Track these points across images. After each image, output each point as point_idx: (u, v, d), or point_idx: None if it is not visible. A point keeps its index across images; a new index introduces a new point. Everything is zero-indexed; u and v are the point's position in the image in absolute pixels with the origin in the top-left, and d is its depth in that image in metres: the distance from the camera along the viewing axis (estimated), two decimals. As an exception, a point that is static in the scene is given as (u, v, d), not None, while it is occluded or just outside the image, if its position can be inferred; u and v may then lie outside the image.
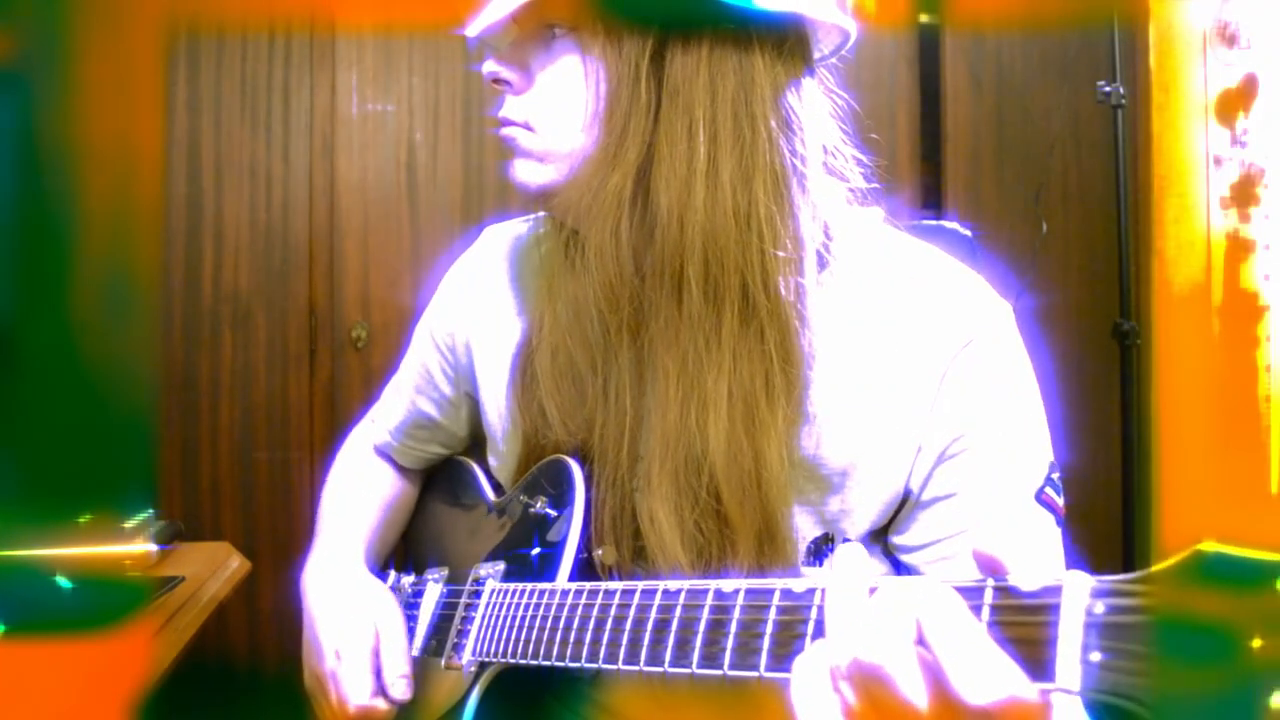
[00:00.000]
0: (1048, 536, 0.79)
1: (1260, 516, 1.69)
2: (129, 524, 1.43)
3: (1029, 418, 0.80)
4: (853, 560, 0.53)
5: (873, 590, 0.51)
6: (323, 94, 2.40)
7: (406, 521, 1.12)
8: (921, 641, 0.47)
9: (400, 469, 1.11)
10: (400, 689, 0.86)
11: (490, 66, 0.80)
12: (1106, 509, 2.11)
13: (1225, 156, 1.77)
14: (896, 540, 0.82)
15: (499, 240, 1.00)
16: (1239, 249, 1.75)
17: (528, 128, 0.80)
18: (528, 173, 0.81)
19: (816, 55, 0.80)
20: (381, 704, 0.86)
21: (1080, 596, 0.44)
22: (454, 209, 2.43)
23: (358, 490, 1.07)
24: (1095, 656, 0.42)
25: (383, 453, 1.10)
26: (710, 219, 0.74)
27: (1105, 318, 2.15)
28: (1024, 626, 0.46)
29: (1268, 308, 1.72)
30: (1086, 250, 2.48)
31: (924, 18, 2.50)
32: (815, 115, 0.79)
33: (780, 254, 0.75)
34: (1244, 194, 1.75)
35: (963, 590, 0.49)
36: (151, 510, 1.49)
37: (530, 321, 0.89)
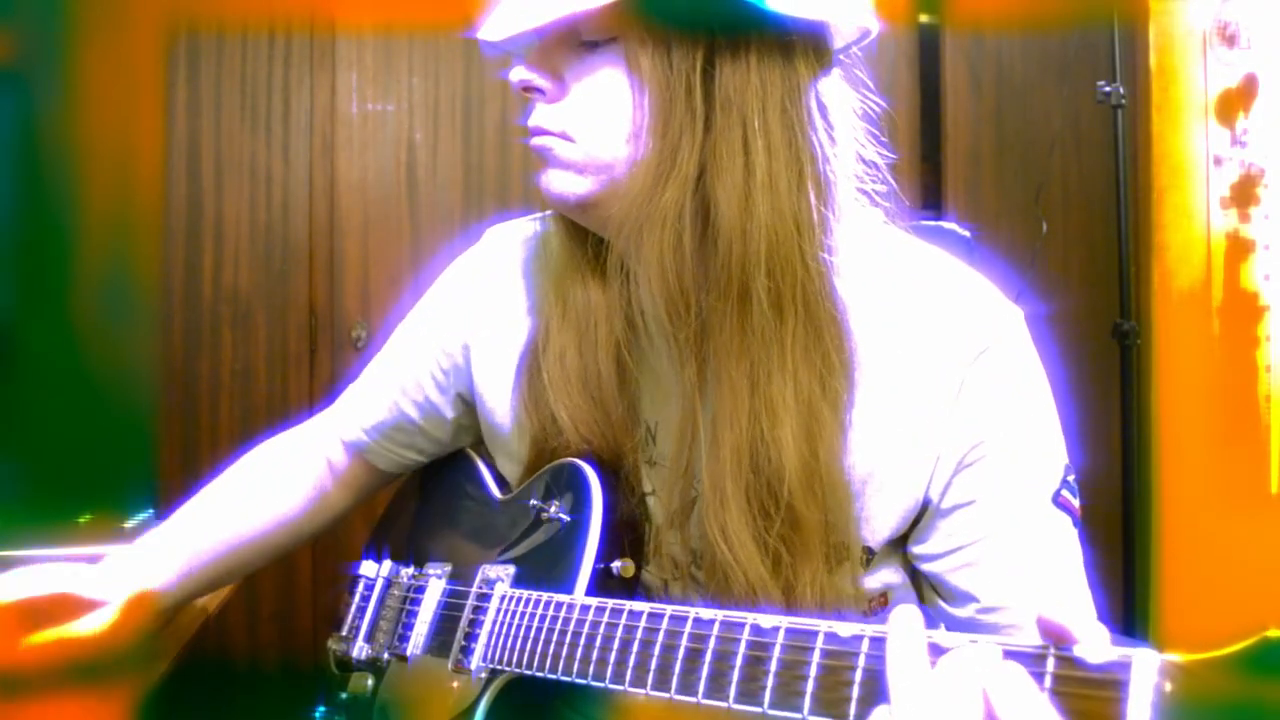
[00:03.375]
0: (1066, 539, 0.79)
1: (1260, 516, 1.69)
2: (129, 524, 1.43)
3: (1044, 422, 0.80)
4: (911, 622, 0.53)
5: (935, 649, 0.52)
6: (323, 94, 2.39)
7: (273, 550, 1.02)
8: (990, 716, 0.47)
9: (318, 489, 1.05)
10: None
11: (521, 74, 0.78)
12: (1106, 509, 2.11)
13: (1225, 156, 1.77)
14: (917, 550, 0.82)
15: (503, 241, 0.99)
16: (1239, 249, 1.75)
17: (565, 138, 0.78)
18: (565, 184, 0.79)
19: (837, 44, 0.80)
20: None
21: (1149, 674, 0.44)
22: (454, 209, 2.43)
23: (237, 503, 1.00)
24: None
25: (353, 449, 1.05)
26: (773, 230, 0.74)
27: (1105, 318, 2.15)
28: (1089, 700, 0.46)
29: (1268, 308, 1.72)
30: (1086, 250, 2.48)
31: (924, 18, 2.50)
32: (847, 116, 0.80)
33: (833, 260, 0.76)
34: (1244, 194, 1.75)
35: (1023, 657, 0.49)
36: (151, 510, 1.49)
37: (538, 324, 0.88)
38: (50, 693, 0.78)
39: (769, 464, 0.75)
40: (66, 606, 0.80)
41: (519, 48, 0.80)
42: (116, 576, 0.85)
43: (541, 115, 0.79)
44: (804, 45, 0.75)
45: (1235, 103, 1.76)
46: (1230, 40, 1.76)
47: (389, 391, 1.02)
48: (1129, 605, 2.06)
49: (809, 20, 0.74)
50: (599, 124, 0.77)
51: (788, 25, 0.74)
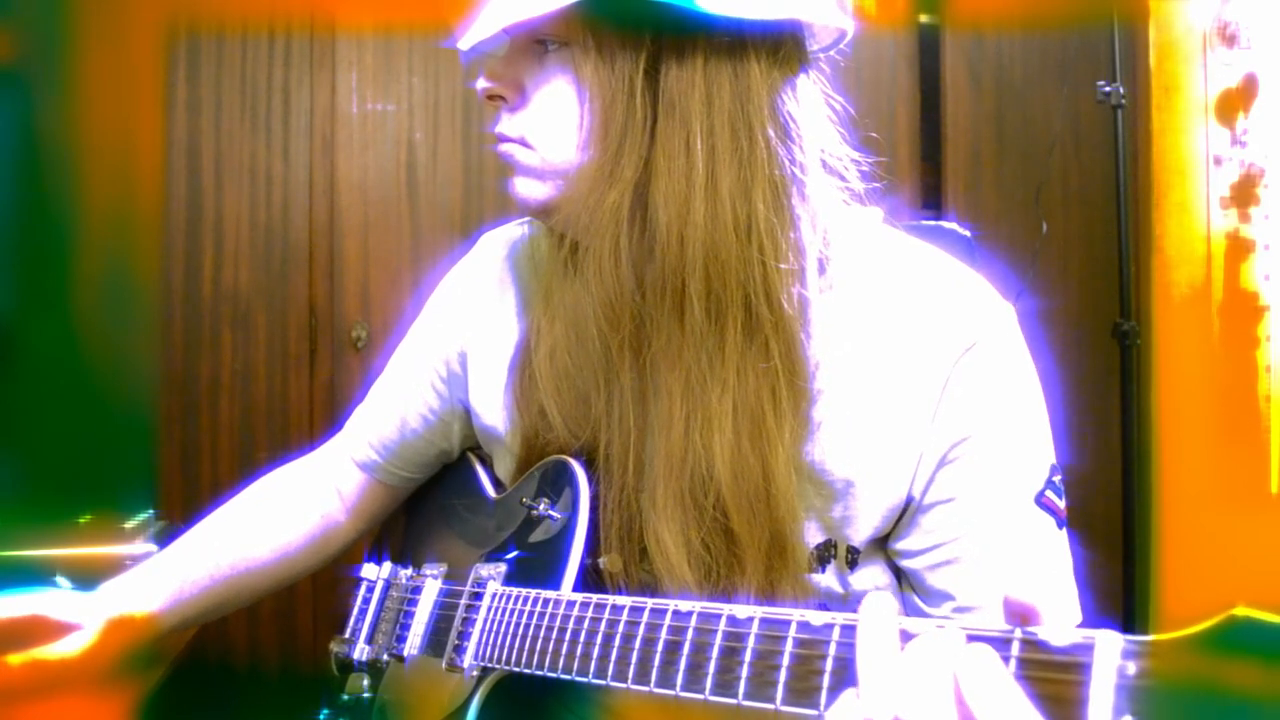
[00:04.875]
0: (1048, 539, 0.78)
1: (1260, 516, 1.69)
2: (129, 524, 1.43)
3: (1030, 421, 0.80)
4: (882, 609, 0.53)
5: (904, 635, 0.52)
6: (323, 94, 2.39)
7: (273, 582, 1.02)
8: (959, 699, 0.48)
9: (323, 516, 1.04)
10: None
11: (482, 83, 0.80)
12: (1106, 509, 2.11)
13: (1225, 156, 1.77)
14: (897, 546, 0.82)
15: (495, 245, 1.00)
16: (1239, 249, 1.75)
17: (524, 144, 0.79)
18: (527, 189, 0.80)
19: (813, 46, 0.79)
20: None
21: (1112, 656, 0.44)
22: (454, 209, 2.43)
23: (238, 532, 1.00)
24: (1127, 719, 0.42)
25: (365, 469, 1.05)
26: (711, 234, 0.73)
27: (1105, 318, 2.15)
28: (1053, 683, 0.46)
29: (1268, 308, 1.72)
30: (1086, 250, 2.48)
31: (924, 18, 2.50)
32: (812, 118, 0.78)
33: (782, 266, 0.75)
34: (1244, 194, 1.75)
35: (989, 640, 0.49)
36: (151, 510, 1.49)
37: (529, 323, 0.89)
38: (27, 710, 0.79)
39: (700, 472, 0.75)
40: (42, 629, 0.80)
41: (493, 58, 0.81)
42: (98, 600, 0.85)
43: (504, 123, 0.81)
44: (759, 49, 0.74)
45: (1235, 103, 1.76)
46: (1230, 40, 1.76)
47: (395, 408, 1.03)
48: (1128, 605, 2.06)
49: (767, 22, 0.73)
50: (553, 130, 0.78)
51: (740, 28, 0.73)
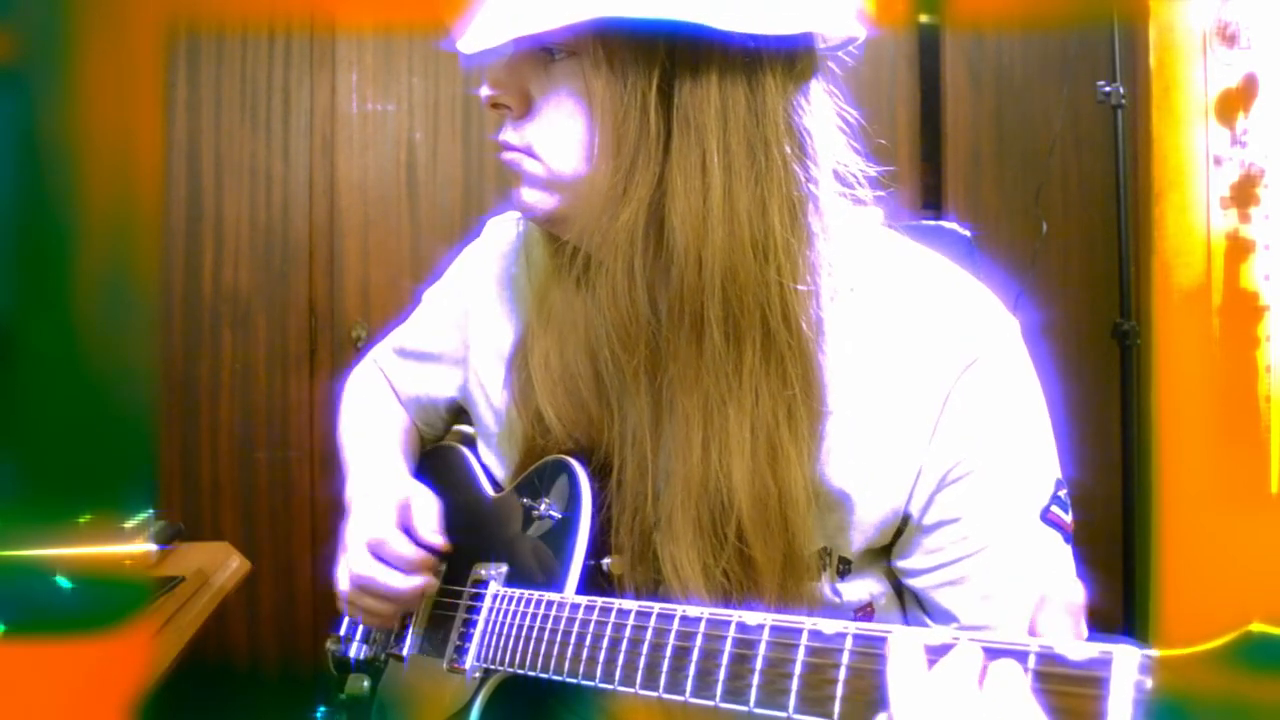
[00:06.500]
0: (1055, 555, 0.77)
1: (1260, 516, 1.69)
2: (129, 524, 1.43)
3: (1034, 436, 0.78)
4: (910, 636, 0.53)
5: (930, 650, 0.52)
6: (323, 94, 2.39)
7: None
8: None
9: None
10: (438, 543, 0.88)
11: (487, 91, 0.78)
12: (1106, 510, 2.11)
13: (1225, 156, 1.77)
14: (901, 564, 0.81)
15: (500, 235, 0.99)
16: (1239, 249, 1.75)
17: (530, 154, 0.77)
18: (533, 199, 0.79)
19: (821, 45, 0.78)
20: (420, 580, 0.87)
21: (1129, 670, 0.44)
22: (454, 209, 2.43)
23: (379, 418, 1.09)
24: None
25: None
26: (729, 255, 0.71)
27: (1105, 318, 2.15)
28: (1071, 697, 0.46)
29: (1268, 308, 1.72)
30: (1086, 250, 2.48)
31: (924, 18, 2.50)
32: (824, 129, 0.77)
33: (800, 287, 0.73)
34: (1244, 194, 1.74)
35: (1006, 653, 0.49)
36: (151, 510, 1.49)
37: (524, 325, 0.88)
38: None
39: (719, 497, 0.73)
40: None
41: (496, 67, 0.79)
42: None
43: (509, 132, 0.79)
44: (774, 61, 0.72)
45: (1235, 103, 1.75)
46: (1230, 40, 1.75)
47: (416, 381, 1.07)
48: (1129, 606, 2.06)
49: (779, 36, 0.71)
50: (561, 141, 0.76)
51: (754, 42, 0.71)
